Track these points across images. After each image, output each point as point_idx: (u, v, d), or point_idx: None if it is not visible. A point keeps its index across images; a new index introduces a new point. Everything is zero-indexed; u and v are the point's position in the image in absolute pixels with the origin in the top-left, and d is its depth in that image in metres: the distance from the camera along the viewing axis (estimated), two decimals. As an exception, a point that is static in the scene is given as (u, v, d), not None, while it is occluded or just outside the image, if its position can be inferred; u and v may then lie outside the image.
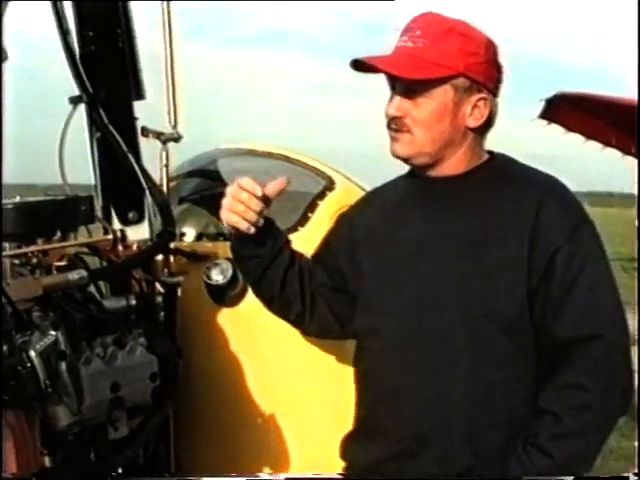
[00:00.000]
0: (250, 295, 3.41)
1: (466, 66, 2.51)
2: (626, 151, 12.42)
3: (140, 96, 3.60)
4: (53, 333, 2.66)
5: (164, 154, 3.53)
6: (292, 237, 3.52)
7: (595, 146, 13.24)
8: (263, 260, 2.83)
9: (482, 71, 2.54)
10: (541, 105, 12.55)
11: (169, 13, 3.49)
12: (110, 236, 3.41)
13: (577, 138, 13.33)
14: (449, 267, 2.53)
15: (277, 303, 2.92)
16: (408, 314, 2.57)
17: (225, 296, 3.47)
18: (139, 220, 3.54)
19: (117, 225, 3.52)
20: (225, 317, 3.49)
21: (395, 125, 2.58)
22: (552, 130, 12.98)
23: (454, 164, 2.61)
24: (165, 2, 3.49)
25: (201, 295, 3.48)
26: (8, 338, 1.95)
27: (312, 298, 2.87)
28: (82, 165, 3.66)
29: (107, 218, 3.54)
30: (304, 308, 2.88)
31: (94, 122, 3.48)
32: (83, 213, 3.35)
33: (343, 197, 3.55)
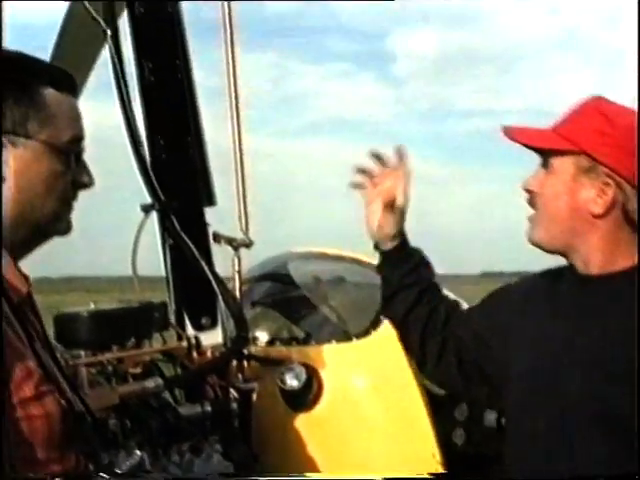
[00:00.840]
0: (324, 399, 3.39)
1: (592, 145, 2.35)
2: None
3: (211, 202, 3.63)
4: (139, 453, 2.63)
5: (236, 260, 3.53)
6: (364, 341, 3.52)
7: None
8: (420, 285, 2.82)
9: (611, 154, 2.34)
10: None
11: (239, 132, 3.53)
12: (184, 343, 3.40)
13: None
14: (580, 368, 2.42)
15: (415, 337, 2.85)
16: (542, 411, 2.48)
17: (300, 401, 3.43)
18: (212, 325, 3.55)
19: (191, 331, 3.52)
20: (300, 422, 3.45)
21: (528, 201, 2.49)
22: None
23: (587, 259, 2.42)
24: (233, 105, 3.54)
25: (276, 400, 3.45)
26: (94, 457, 1.93)
27: (444, 343, 2.79)
28: (149, 257, 3.67)
29: (180, 324, 3.54)
30: (433, 350, 2.81)
31: (166, 229, 3.51)
32: (157, 320, 3.36)
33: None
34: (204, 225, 3.59)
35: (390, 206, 2.76)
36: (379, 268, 2.91)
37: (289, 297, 3.92)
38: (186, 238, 3.45)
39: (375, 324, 3.51)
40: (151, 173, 3.43)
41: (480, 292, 2.93)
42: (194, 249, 3.43)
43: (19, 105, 1.87)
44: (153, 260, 3.66)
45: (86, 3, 3.45)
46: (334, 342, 3.53)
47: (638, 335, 2.23)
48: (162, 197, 3.44)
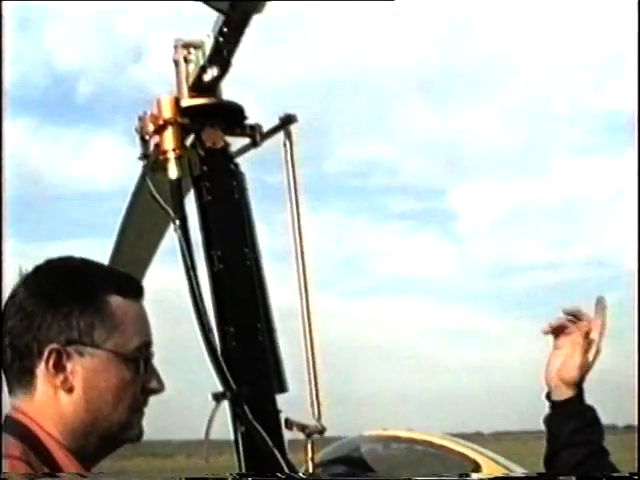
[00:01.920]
0: None
1: None
2: None
3: (283, 389, 3.60)
4: None
5: (309, 446, 3.48)
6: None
7: None
8: (589, 446, 2.68)
9: None
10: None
11: (309, 318, 3.54)
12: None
13: None
14: None
15: None
16: None
17: None
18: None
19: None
20: None
21: None
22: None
23: None
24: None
25: None
26: None
27: None
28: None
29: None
30: None
31: (238, 417, 3.47)
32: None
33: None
34: (276, 412, 3.55)
35: (579, 355, 2.69)
36: (547, 420, 2.77)
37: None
38: (259, 427, 3.40)
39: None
40: (222, 361, 3.42)
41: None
42: (267, 438, 3.38)
43: (85, 315, 1.88)
44: (219, 421, 3.62)
45: (154, 191, 3.53)
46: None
47: (639, 337, 2.35)
48: (234, 386, 3.42)
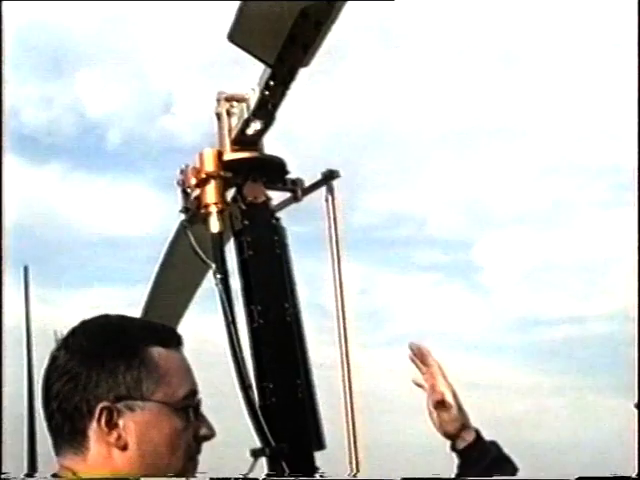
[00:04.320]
0: None
1: None
2: None
3: (321, 446, 3.55)
4: None
5: (347, 505, 3.43)
6: None
7: None
8: None
9: None
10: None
11: (350, 383, 3.51)
12: None
13: None
14: None
15: None
16: None
17: None
18: None
19: None
20: None
21: None
22: None
23: None
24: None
25: None
26: None
27: None
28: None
29: None
30: None
31: (276, 474, 3.43)
32: None
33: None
34: (314, 469, 3.50)
35: (440, 405, 2.70)
36: (458, 470, 2.75)
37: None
38: (296, 484, 3.36)
39: None
40: (261, 417, 3.38)
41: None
42: (304, 497, 3.33)
43: (131, 369, 1.85)
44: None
45: (195, 245, 3.52)
46: None
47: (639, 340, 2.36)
48: (272, 442, 3.38)
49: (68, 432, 1.84)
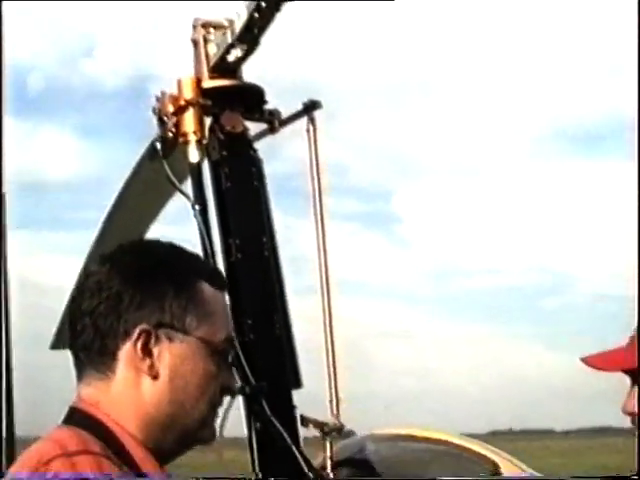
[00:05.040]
0: None
1: None
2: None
3: (298, 385, 3.47)
4: None
5: (327, 445, 3.35)
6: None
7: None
8: None
9: None
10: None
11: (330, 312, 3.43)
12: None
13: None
14: None
15: None
16: None
17: None
18: (301, 516, 3.32)
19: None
20: None
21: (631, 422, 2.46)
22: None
23: None
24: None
25: None
26: None
27: None
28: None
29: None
30: None
31: (253, 413, 3.33)
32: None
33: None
34: (292, 409, 3.41)
35: None
36: None
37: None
38: (277, 423, 3.26)
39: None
40: (241, 355, 3.27)
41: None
42: (286, 435, 3.25)
43: (179, 298, 1.73)
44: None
45: (172, 176, 3.38)
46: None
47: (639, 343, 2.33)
48: (252, 380, 3.28)
49: (97, 351, 1.71)
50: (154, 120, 3.42)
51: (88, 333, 1.72)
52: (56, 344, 4.23)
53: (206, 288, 1.78)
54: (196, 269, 1.81)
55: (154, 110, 3.42)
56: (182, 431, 1.73)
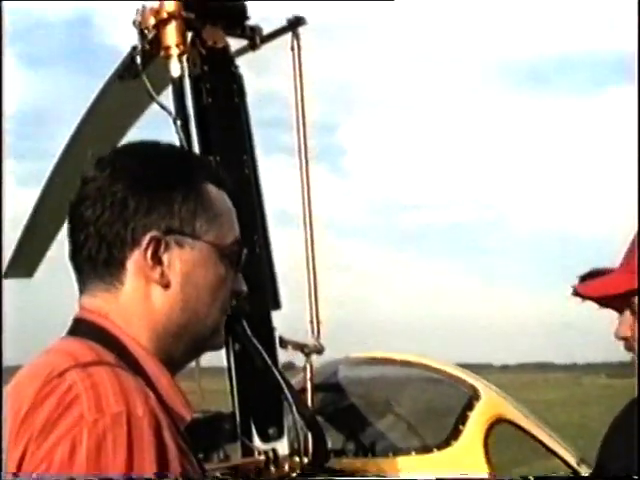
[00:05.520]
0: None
1: None
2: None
3: (277, 305, 3.43)
4: None
5: (308, 367, 3.33)
6: (446, 452, 3.32)
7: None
8: None
9: None
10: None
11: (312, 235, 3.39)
12: (262, 457, 3.16)
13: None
14: None
15: None
16: None
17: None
18: (279, 436, 3.31)
19: (258, 443, 3.28)
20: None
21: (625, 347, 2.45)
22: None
23: None
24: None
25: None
26: None
27: None
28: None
29: (246, 435, 3.30)
30: None
31: (233, 333, 3.29)
32: (226, 432, 3.13)
33: (491, 407, 3.36)
34: (271, 330, 3.38)
35: None
36: None
37: (344, 407, 3.70)
38: (257, 344, 3.23)
39: (455, 434, 3.32)
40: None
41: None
42: (265, 356, 3.21)
43: (187, 202, 1.64)
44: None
45: (151, 90, 3.30)
46: (413, 454, 3.32)
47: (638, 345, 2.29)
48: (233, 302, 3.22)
49: (103, 262, 1.62)
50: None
51: (92, 243, 1.63)
52: (10, 273, 4.16)
53: (212, 190, 1.70)
54: (201, 170, 1.72)
55: (134, 23, 3.32)
56: (194, 340, 1.66)
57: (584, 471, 3.57)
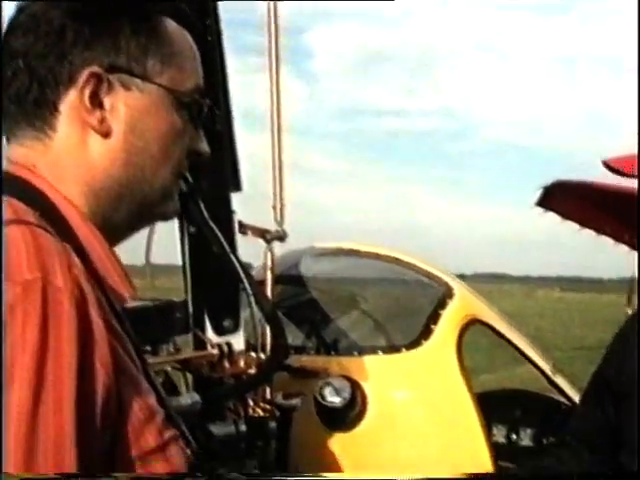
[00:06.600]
0: (369, 417, 2.94)
1: None
2: (619, 239, 12.41)
3: (238, 188, 3.15)
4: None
5: (268, 254, 3.05)
6: (416, 352, 3.09)
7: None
8: None
9: None
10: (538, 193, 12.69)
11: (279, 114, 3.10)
12: (215, 350, 2.90)
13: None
14: None
15: None
16: None
17: (341, 419, 2.98)
18: (235, 329, 3.05)
19: (211, 335, 3.02)
20: (340, 443, 2.99)
21: None
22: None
23: None
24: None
25: (311, 418, 2.99)
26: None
27: None
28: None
29: (199, 326, 3.03)
30: None
31: (188, 216, 2.99)
32: (178, 322, 2.86)
33: (465, 306, 3.12)
34: (230, 213, 3.09)
35: None
36: None
37: (306, 301, 3.44)
38: (214, 226, 2.93)
39: (426, 333, 3.08)
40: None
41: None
42: (222, 239, 2.92)
43: (137, 35, 1.33)
44: (165, 246, 3.16)
45: None
46: (380, 353, 3.08)
47: (638, 337, 2.26)
48: (190, 179, 2.92)
49: (33, 102, 1.32)
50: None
51: (21, 79, 1.33)
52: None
53: (172, 25, 1.39)
54: (161, 2, 1.41)
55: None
56: (139, 203, 1.36)
57: (559, 381, 3.39)
